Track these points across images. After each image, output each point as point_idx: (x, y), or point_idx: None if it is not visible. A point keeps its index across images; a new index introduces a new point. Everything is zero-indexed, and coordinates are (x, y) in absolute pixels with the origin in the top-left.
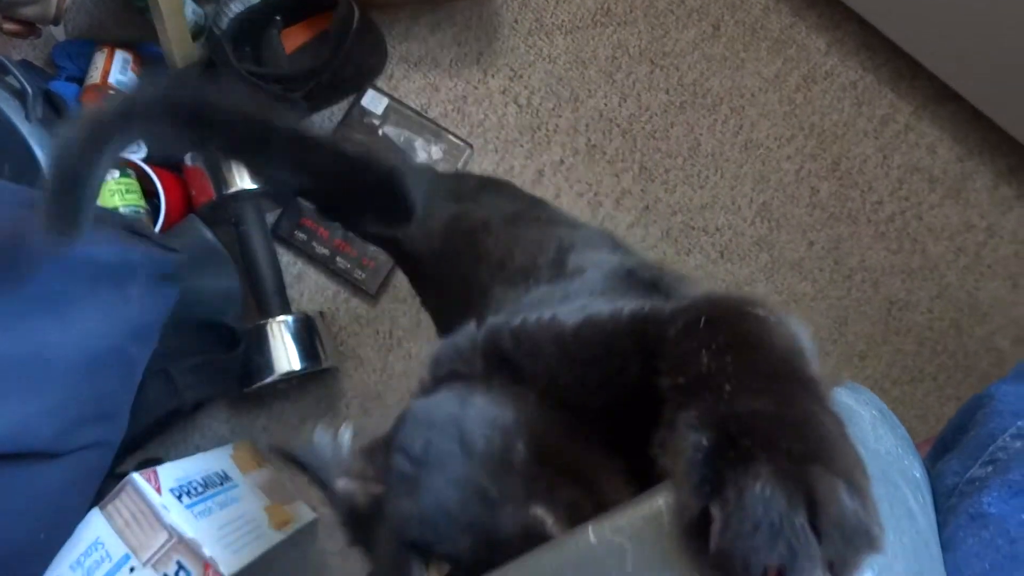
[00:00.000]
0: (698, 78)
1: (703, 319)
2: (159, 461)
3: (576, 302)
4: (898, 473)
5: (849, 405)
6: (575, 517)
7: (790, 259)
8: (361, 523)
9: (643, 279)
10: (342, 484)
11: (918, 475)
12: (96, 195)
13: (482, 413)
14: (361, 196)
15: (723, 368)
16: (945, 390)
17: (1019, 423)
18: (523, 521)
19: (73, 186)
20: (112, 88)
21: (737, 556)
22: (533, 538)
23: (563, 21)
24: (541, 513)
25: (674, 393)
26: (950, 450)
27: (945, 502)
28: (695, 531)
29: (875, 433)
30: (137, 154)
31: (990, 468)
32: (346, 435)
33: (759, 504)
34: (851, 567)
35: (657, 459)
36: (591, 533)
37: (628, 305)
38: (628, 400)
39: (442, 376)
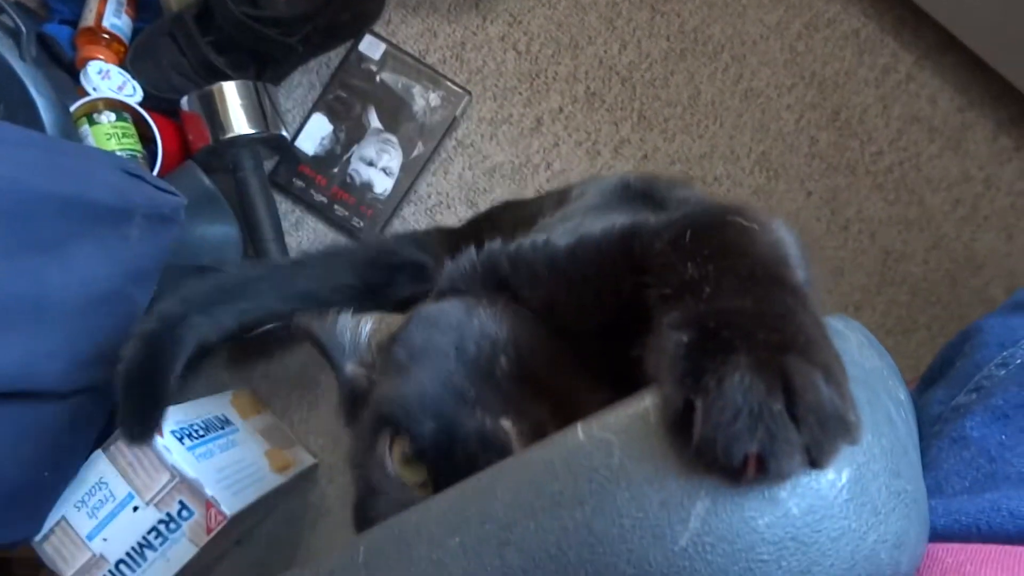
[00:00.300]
0: (699, 25)
1: (688, 232)
2: None
3: (572, 222)
4: (881, 387)
5: (837, 327)
6: (538, 436)
7: (788, 209)
8: (357, 405)
9: (637, 189)
10: (349, 368)
11: (903, 397)
12: (168, 398)
13: (483, 325)
14: (389, 276)
15: (705, 275)
16: (938, 340)
17: (1004, 353)
18: (488, 428)
19: (144, 394)
20: (106, 31)
21: (719, 443)
22: (492, 444)
23: None
24: (507, 426)
25: (659, 303)
26: (936, 382)
27: (929, 429)
28: (679, 425)
29: (861, 353)
30: (133, 97)
31: (974, 395)
32: (367, 326)
33: (738, 392)
34: (828, 453)
35: (641, 361)
36: (580, 431)
37: (619, 221)
38: (622, 320)
39: (445, 291)
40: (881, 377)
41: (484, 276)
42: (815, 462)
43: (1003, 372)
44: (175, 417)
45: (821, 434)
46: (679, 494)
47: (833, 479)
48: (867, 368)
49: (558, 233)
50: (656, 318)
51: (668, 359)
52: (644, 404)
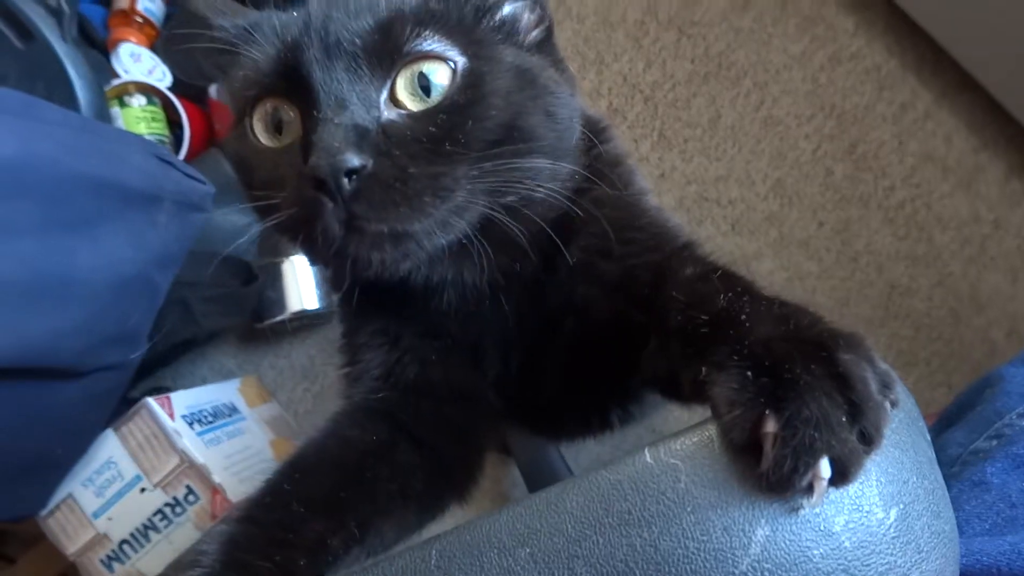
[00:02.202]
0: (724, 50)
1: (720, 271)
2: (167, 389)
3: None
4: (918, 429)
5: None
6: None
7: (799, 237)
8: None
9: None
10: None
11: (928, 437)
12: None
13: None
14: None
15: (741, 307)
16: (937, 376)
17: None
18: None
19: None
20: (139, 14)
21: (791, 459)
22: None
23: None
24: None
25: (696, 327)
26: (954, 424)
27: (947, 470)
28: (745, 452)
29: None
30: (163, 81)
31: (995, 442)
32: None
33: (808, 409)
34: (881, 425)
35: (704, 389)
36: (647, 454)
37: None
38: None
39: None
40: (917, 416)
41: None
42: (869, 440)
43: None
44: (185, 402)
45: (875, 415)
46: (741, 521)
47: (883, 517)
48: (907, 408)
49: None
50: (698, 343)
51: (731, 391)
52: (709, 432)
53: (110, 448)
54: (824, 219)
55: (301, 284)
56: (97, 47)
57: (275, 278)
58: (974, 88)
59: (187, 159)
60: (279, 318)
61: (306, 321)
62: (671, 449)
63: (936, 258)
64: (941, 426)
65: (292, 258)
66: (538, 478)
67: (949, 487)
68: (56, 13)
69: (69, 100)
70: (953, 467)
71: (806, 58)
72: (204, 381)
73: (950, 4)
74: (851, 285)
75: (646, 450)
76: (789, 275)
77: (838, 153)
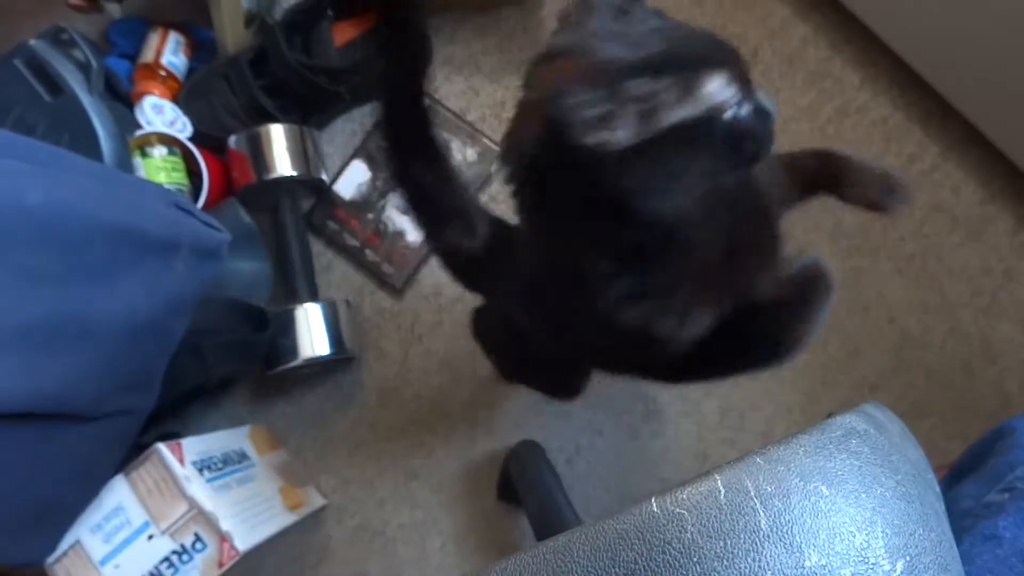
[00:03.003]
0: None
1: None
2: (177, 435)
3: None
4: (925, 480)
5: (877, 416)
6: None
7: None
8: None
9: None
10: None
11: (937, 490)
12: None
13: None
14: None
15: None
16: (951, 427)
17: None
18: None
19: None
20: (163, 68)
21: None
22: None
23: None
24: None
25: None
26: (965, 476)
27: (959, 523)
28: None
29: (904, 444)
30: (184, 132)
31: (1007, 495)
32: None
33: None
34: None
35: None
36: (654, 504)
37: None
38: None
39: None
40: (925, 468)
41: None
42: None
43: None
44: (196, 448)
45: None
46: (747, 572)
47: (888, 569)
48: (913, 460)
49: None
50: None
51: None
52: (715, 483)
53: (120, 493)
54: (834, 269)
55: (314, 330)
56: (122, 99)
57: (287, 325)
58: (981, 142)
59: (205, 207)
60: (291, 365)
61: (318, 368)
62: (677, 499)
63: (947, 309)
64: (952, 479)
65: (305, 305)
66: (547, 527)
67: (961, 541)
68: (84, 68)
69: (93, 150)
70: (965, 520)
71: (813, 110)
72: (215, 428)
73: (957, 60)
74: (863, 335)
75: (652, 500)
76: None
77: (847, 204)
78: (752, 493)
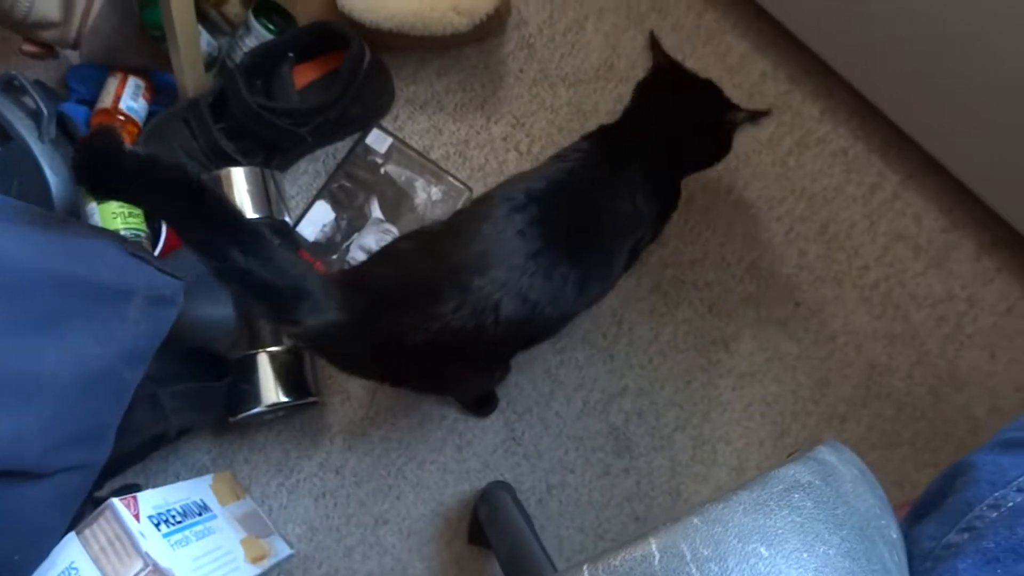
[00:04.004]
0: None
1: None
2: (137, 488)
3: None
4: (876, 531)
5: (832, 463)
6: None
7: (776, 318)
8: None
9: None
10: None
11: (895, 536)
12: None
13: None
14: None
15: None
16: (922, 456)
17: (996, 494)
18: None
19: None
20: (122, 113)
21: None
22: None
23: (567, 73)
24: None
25: None
26: (927, 515)
27: (920, 565)
28: None
29: (855, 491)
30: None
31: (966, 535)
32: None
33: None
34: None
35: None
36: (586, 571)
37: None
38: None
39: None
40: (875, 517)
41: None
42: None
43: (994, 514)
44: (152, 502)
45: None
46: None
47: None
48: (862, 511)
49: None
50: None
51: None
52: (650, 547)
53: (72, 553)
54: (800, 299)
55: (277, 375)
56: None
57: (250, 370)
58: (940, 171)
59: (163, 252)
60: (254, 411)
61: (282, 413)
62: (610, 566)
63: (913, 337)
64: (913, 518)
65: (268, 349)
66: (518, 572)
67: None
68: (35, 115)
69: (44, 198)
70: (926, 562)
71: (774, 143)
72: (177, 478)
73: (913, 93)
74: (831, 365)
75: (584, 567)
76: (769, 356)
77: (810, 234)
78: (688, 557)
